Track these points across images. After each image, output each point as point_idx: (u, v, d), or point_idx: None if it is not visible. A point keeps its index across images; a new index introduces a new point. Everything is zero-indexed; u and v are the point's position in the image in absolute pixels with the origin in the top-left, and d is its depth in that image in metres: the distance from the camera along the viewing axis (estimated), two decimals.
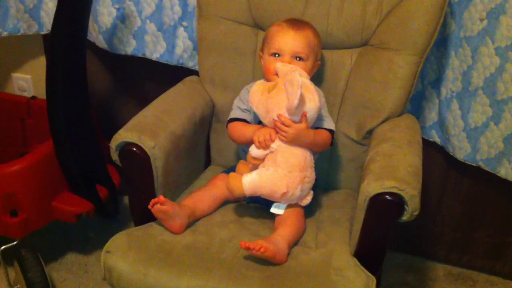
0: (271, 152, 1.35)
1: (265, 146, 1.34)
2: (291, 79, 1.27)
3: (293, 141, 1.33)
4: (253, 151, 1.36)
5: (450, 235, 1.91)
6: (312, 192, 1.39)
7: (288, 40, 1.41)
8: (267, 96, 1.35)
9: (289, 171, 1.33)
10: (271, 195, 1.34)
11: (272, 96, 1.34)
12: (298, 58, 1.41)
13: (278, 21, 1.46)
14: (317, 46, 1.45)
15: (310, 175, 1.36)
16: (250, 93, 1.38)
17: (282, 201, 1.36)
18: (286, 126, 1.31)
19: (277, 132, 1.34)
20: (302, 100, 1.29)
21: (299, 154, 1.35)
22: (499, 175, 1.61)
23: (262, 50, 1.49)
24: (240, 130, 1.45)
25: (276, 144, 1.34)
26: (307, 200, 1.38)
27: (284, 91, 1.30)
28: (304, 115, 1.31)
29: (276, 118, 1.32)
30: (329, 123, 1.44)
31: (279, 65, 1.38)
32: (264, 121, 1.37)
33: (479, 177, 1.74)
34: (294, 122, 1.31)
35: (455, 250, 1.93)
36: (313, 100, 1.32)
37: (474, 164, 1.63)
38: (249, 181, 1.32)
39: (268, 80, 1.44)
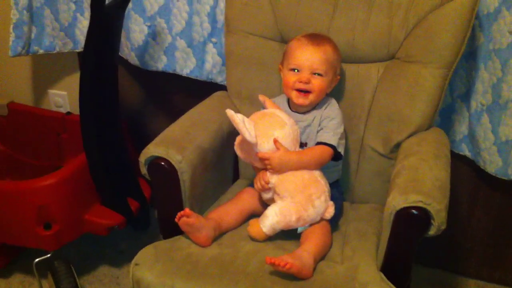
0: (272, 188, 1.38)
1: (264, 189, 1.39)
2: (232, 119, 1.32)
3: (281, 168, 1.36)
4: (263, 195, 1.42)
5: (482, 250, 1.88)
6: (332, 203, 1.39)
7: (307, 56, 1.42)
8: (237, 145, 1.42)
9: (291, 197, 1.35)
10: (289, 226, 1.36)
11: (241, 142, 1.40)
12: (317, 74, 1.42)
13: (298, 36, 1.47)
14: (337, 61, 1.46)
15: (317, 190, 1.36)
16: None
17: (301, 225, 1.37)
18: (266, 159, 1.35)
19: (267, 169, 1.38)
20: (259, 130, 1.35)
21: (293, 178, 1.36)
22: None
23: (282, 63, 1.50)
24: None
25: (273, 179, 1.37)
26: (330, 212, 1.38)
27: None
28: (275, 141, 1.35)
29: (256, 158, 1.37)
30: (328, 138, 1.43)
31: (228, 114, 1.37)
32: (255, 165, 1.43)
33: (509, 191, 1.71)
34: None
35: (487, 266, 1.90)
36: (280, 124, 1.36)
37: (506, 178, 1.60)
38: (267, 225, 1.36)
39: (286, 94, 1.48)
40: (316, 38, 1.45)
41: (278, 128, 1.37)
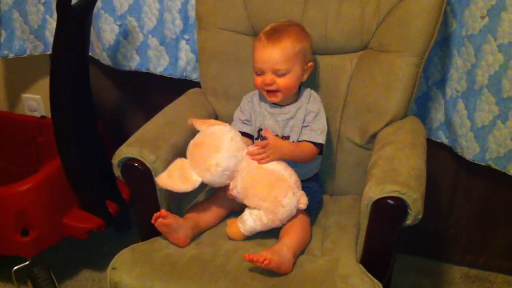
0: (238, 196, 1.36)
1: (231, 197, 1.37)
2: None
3: (277, 153, 1.34)
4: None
5: (465, 237, 1.88)
6: (302, 192, 1.35)
7: (266, 58, 1.40)
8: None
9: (259, 207, 1.33)
10: (267, 227, 1.34)
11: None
12: (280, 74, 1.40)
13: (261, 32, 1.44)
14: (302, 52, 1.42)
15: (282, 189, 1.32)
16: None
17: (279, 225, 1.35)
18: (263, 149, 1.33)
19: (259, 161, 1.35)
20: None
21: (255, 189, 1.33)
22: (509, 173, 1.58)
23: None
24: None
25: (234, 192, 1.35)
26: (303, 203, 1.34)
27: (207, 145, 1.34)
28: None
29: (245, 157, 1.35)
30: (317, 137, 1.43)
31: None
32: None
33: (490, 177, 1.71)
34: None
35: (471, 252, 1.90)
36: (213, 150, 1.32)
37: (484, 164, 1.60)
38: (245, 229, 1.35)
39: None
40: (273, 35, 1.40)
41: (213, 154, 1.32)
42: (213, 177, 1.32)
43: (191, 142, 1.37)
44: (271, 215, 1.32)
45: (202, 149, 1.33)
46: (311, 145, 1.42)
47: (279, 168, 1.35)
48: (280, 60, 1.39)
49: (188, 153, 1.36)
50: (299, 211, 1.35)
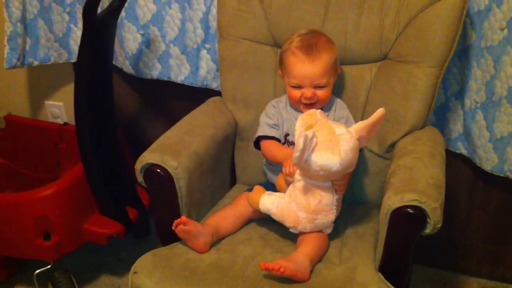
0: (294, 182, 1.35)
1: (290, 175, 1.36)
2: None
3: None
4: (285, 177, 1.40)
5: (482, 248, 1.87)
6: (332, 225, 1.38)
7: (306, 75, 1.41)
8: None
9: (298, 209, 1.34)
10: (281, 222, 1.36)
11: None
12: (319, 87, 1.42)
13: (292, 45, 1.44)
14: (336, 61, 1.45)
15: (323, 217, 1.34)
16: (296, 126, 1.32)
17: (293, 229, 1.37)
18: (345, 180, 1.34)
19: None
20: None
21: (312, 197, 1.33)
22: None
23: (280, 68, 1.51)
24: (271, 151, 1.49)
25: (297, 179, 1.34)
26: (326, 231, 1.38)
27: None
28: None
29: None
30: None
31: (301, 118, 1.33)
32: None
33: (508, 188, 1.71)
34: None
35: (488, 263, 1.89)
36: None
37: (502, 175, 1.60)
38: (265, 203, 1.36)
39: (294, 105, 1.49)
40: (312, 51, 1.41)
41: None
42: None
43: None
44: (297, 222, 1.34)
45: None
46: None
47: (334, 200, 1.35)
48: (321, 76, 1.41)
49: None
50: None
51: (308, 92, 1.43)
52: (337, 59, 1.47)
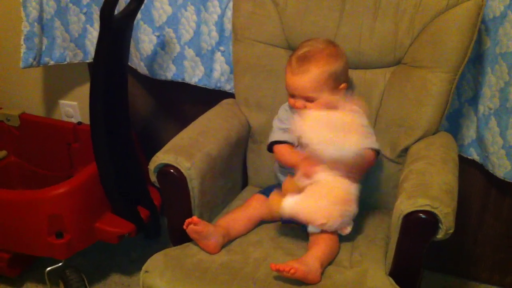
0: (315, 182, 1.34)
1: (309, 176, 1.35)
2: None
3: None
4: (299, 180, 1.37)
5: (492, 255, 1.87)
6: (352, 223, 1.38)
7: (295, 85, 1.42)
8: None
9: (332, 204, 1.33)
10: (309, 222, 1.34)
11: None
12: (309, 100, 1.42)
13: (293, 53, 1.45)
14: (332, 76, 1.41)
15: (353, 209, 1.35)
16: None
17: (318, 228, 1.36)
18: None
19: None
20: None
21: (343, 188, 1.33)
22: None
23: None
24: (284, 156, 1.48)
25: (321, 176, 1.33)
26: (347, 230, 1.37)
27: None
28: None
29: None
30: (372, 142, 1.41)
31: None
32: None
33: None
34: None
35: (498, 271, 1.88)
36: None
37: None
38: (290, 205, 1.33)
39: None
40: (303, 62, 1.41)
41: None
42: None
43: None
44: (332, 215, 1.33)
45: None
46: (371, 151, 1.41)
47: (356, 195, 1.36)
48: (309, 89, 1.41)
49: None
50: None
51: (298, 102, 1.43)
52: (336, 73, 1.42)
